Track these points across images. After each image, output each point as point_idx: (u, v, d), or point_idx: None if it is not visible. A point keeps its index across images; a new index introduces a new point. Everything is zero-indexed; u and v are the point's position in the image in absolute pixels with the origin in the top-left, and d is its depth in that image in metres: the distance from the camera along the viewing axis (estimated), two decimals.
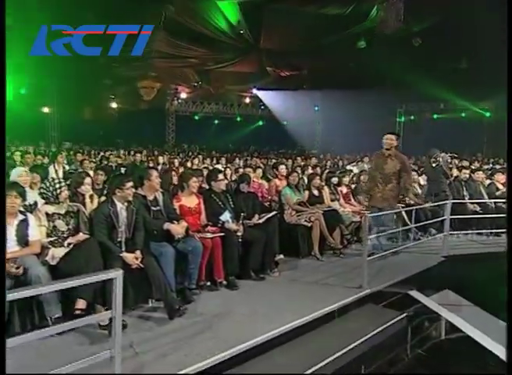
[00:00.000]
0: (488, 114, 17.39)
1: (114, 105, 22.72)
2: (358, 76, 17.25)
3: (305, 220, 5.05)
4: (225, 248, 3.97)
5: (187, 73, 19.46)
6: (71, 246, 3.13)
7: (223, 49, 16.16)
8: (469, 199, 6.40)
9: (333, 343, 2.98)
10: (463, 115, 17.73)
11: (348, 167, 9.23)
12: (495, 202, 6.43)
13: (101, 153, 11.05)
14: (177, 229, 3.55)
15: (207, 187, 4.54)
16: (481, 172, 6.87)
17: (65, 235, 3.22)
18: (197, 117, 21.24)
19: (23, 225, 2.99)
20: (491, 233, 6.01)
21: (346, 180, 6.12)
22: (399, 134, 4.91)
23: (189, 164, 7.97)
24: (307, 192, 5.48)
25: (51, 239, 3.15)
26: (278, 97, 18.71)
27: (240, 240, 4.13)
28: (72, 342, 2.79)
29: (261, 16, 13.94)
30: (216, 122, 21.66)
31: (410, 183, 4.90)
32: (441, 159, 6.43)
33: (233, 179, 6.34)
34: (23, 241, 2.97)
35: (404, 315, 3.58)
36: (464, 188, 6.50)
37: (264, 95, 19.12)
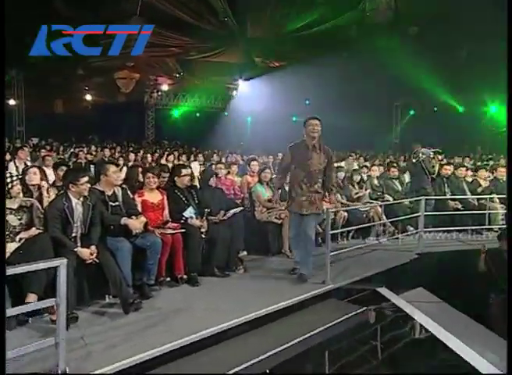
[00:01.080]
0: (490, 107, 17.94)
1: (88, 97, 22.86)
2: (351, 68, 17.65)
3: (275, 217, 5.35)
4: (187, 244, 4.24)
5: (168, 63, 19.66)
6: (22, 241, 3.37)
7: (207, 38, 16.37)
8: (451, 196, 6.75)
9: (287, 333, 3.27)
10: (460, 110, 18.24)
11: (336, 164, 9.57)
12: (477, 199, 6.80)
13: (71, 149, 11.23)
14: (135, 224, 3.81)
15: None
16: (464, 168, 7.22)
17: (16, 230, 3.45)
18: (178, 111, 21.43)
19: None
20: (472, 230, 6.36)
21: None
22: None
23: (163, 161, 8.21)
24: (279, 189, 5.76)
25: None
26: (266, 89, 18.98)
27: (203, 236, 4.40)
28: (22, 336, 3.03)
29: (248, 3, 14.23)
30: (198, 115, 21.84)
31: (334, 183, 4.49)
32: (421, 155, 6.77)
33: None
34: None
35: (362, 309, 3.87)
36: (446, 185, 6.84)
37: (251, 87, 19.38)
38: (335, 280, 4.22)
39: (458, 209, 6.51)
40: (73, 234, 3.56)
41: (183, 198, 4.52)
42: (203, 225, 4.43)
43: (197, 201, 4.63)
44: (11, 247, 3.32)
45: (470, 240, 6.12)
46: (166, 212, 4.41)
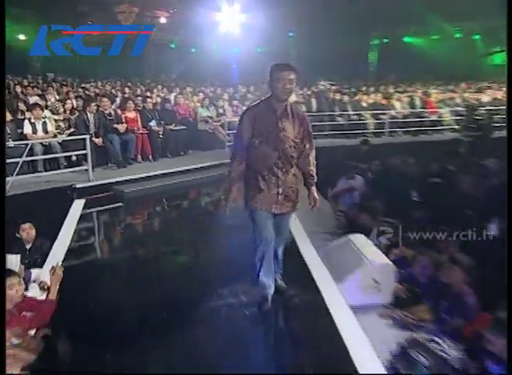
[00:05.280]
0: (458, 35, 20.53)
1: None
2: None
3: (210, 128, 9.40)
4: (151, 140, 8.38)
5: None
6: (67, 133, 7.59)
7: None
8: (340, 116, 10.58)
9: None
10: (434, 37, 20.84)
11: None
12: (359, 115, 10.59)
13: (83, 84, 15.20)
14: (120, 127, 7.96)
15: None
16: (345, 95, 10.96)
17: (64, 130, 7.65)
18: (173, 45, 24.48)
19: (44, 123, 7.41)
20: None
21: None
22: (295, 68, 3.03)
23: (148, 93, 12.16)
24: (215, 111, 9.75)
25: (57, 131, 7.59)
26: (250, 22, 21.68)
27: (161, 136, 8.53)
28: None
29: None
30: (194, 50, 24.87)
31: (314, 166, 3.28)
32: (317, 87, 10.53)
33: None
34: (45, 131, 7.38)
35: None
36: (337, 106, 10.66)
37: (237, 21, 22.11)
38: None
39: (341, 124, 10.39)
40: (91, 132, 7.70)
41: (149, 115, 8.59)
42: (160, 130, 8.53)
43: (157, 117, 8.69)
44: (62, 136, 7.54)
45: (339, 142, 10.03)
46: (139, 123, 8.49)
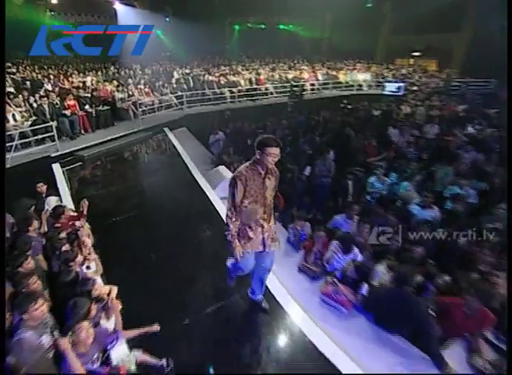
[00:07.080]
0: (281, 26, 23.00)
1: None
2: None
3: (125, 106, 10.85)
4: (88, 118, 9.71)
5: None
6: (31, 120, 8.56)
7: None
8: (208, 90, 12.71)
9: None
10: (262, 27, 23.02)
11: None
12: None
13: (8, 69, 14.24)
14: (67, 112, 9.15)
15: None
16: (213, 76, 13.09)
17: (28, 118, 8.58)
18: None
19: (13, 115, 8.28)
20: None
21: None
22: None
23: (69, 79, 12.51)
24: (126, 93, 11.11)
25: (24, 119, 8.49)
26: (133, 10, 20.94)
27: (94, 115, 9.84)
28: None
29: None
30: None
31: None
32: (192, 71, 12.35)
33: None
34: (15, 120, 8.25)
35: (151, 132, 9.98)
36: (206, 85, 12.74)
37: (124, 9, 21.19)
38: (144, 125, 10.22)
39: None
40: (48, 117, 8.73)
41: (84, 101, 9.74)
42: (93, 111, 9.82)
43: (89, 102, 9.89)
44: (28, 123, 8.48)
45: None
46: (78, 108, 9.64)
